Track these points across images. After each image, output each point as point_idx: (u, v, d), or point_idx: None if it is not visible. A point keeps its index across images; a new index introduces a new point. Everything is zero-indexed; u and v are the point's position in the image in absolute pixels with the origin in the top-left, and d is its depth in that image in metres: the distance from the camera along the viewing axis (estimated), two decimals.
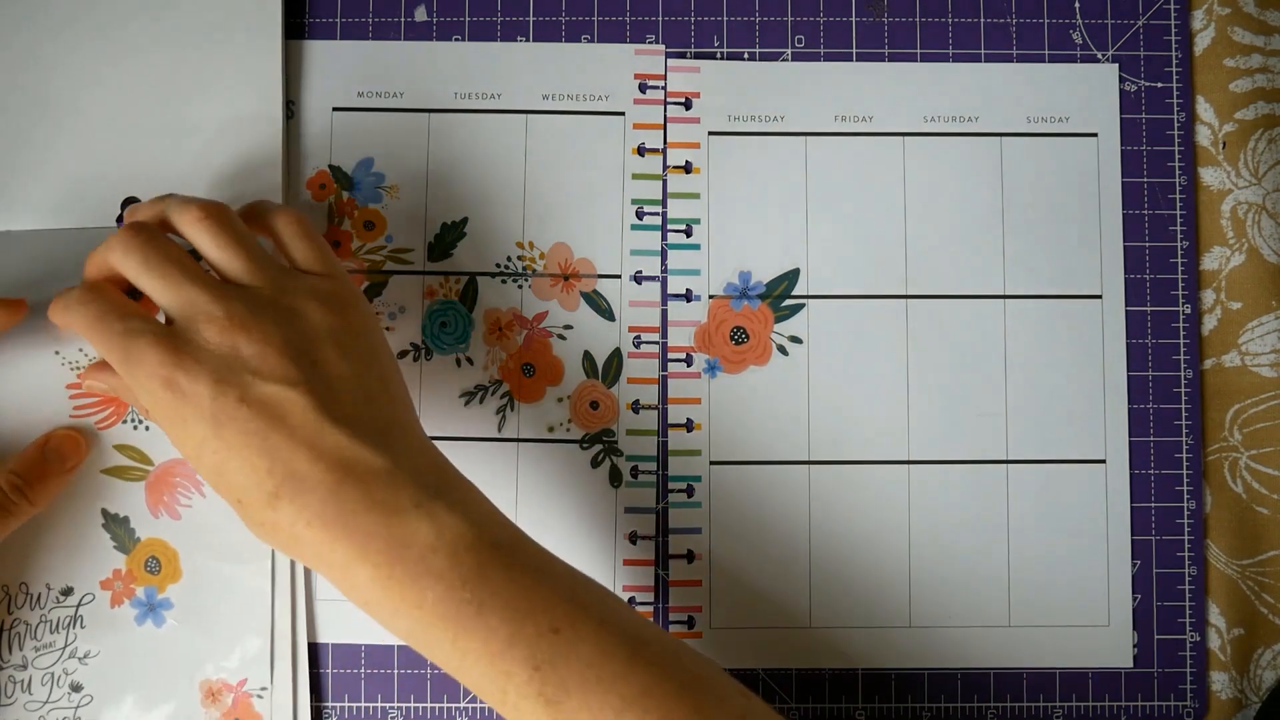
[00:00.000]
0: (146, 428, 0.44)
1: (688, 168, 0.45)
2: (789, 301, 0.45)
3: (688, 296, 0.45)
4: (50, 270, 0.44)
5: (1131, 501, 0.45)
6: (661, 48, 0.46)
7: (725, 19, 0.46)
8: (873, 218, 0.45)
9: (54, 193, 0.45)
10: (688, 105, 0.46)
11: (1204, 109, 0.46)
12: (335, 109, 0.46)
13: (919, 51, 0.46)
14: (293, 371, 0.35)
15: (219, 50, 0.45)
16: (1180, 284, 0.45)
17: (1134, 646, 0.45)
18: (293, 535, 0.34)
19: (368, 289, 0.45)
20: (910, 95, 0.46)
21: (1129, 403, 0.45)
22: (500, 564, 0.34)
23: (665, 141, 0.46)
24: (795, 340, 0.45)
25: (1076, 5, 0.46)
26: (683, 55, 0.46)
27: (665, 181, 0.45)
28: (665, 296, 0.45)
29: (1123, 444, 0.45)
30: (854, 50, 0.46)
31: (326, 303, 0.37)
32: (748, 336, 0.45)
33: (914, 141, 0.45)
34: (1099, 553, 0.44)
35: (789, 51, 0.46)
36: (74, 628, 0.43)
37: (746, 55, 0.46)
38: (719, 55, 0.46)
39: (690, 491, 0.45)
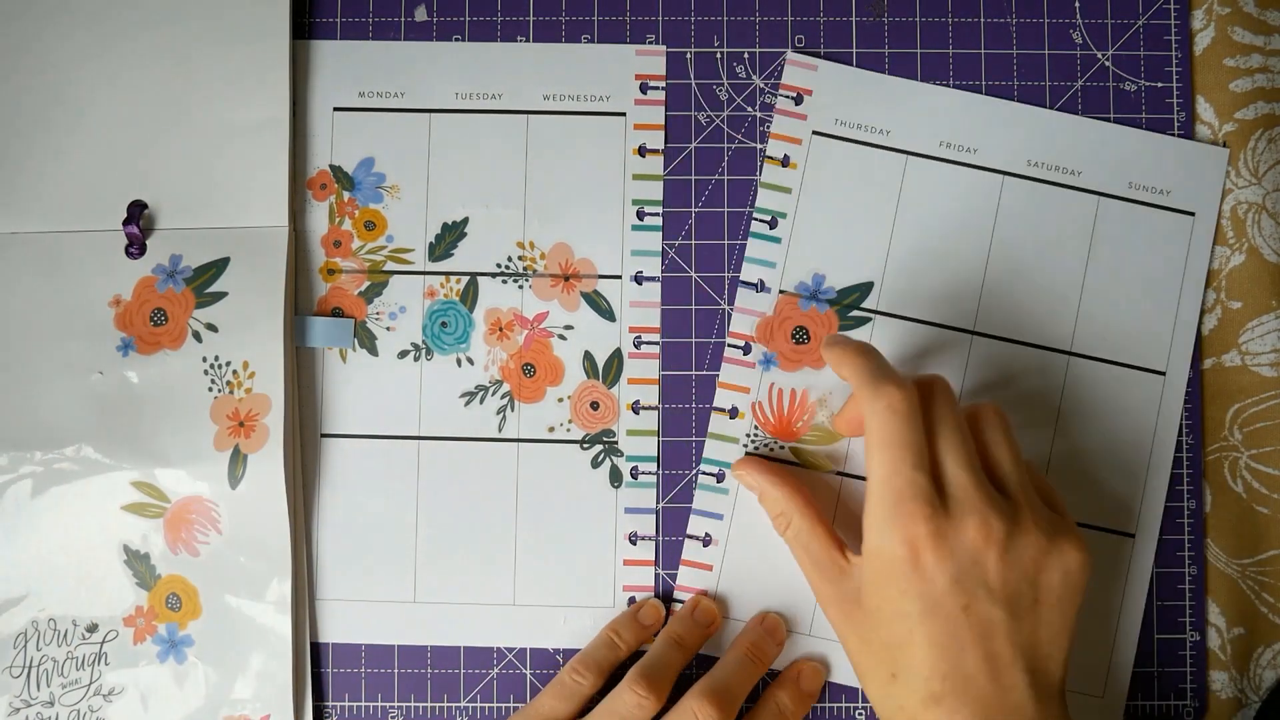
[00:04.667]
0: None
1: (785, 161, 0.45)
2: (857, 312, 0.45)
3: (759, 286, 0.45)
4: (57, 273, 0.44)
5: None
6: (662, 48, 0.46)
7: (725, 19, 0.46)
8: (956, 248, 0.45)
9: (62, 195, 0.45)
10: (798, 100, 0.45)
11: (1204, 109, 0.46)
12: (336, 109, 0.46)
13: (919, 51, 0.46)
14: (1017, 606, 0.36)
15: (226, 53, 0.45)
16: None
17: (1135, 645, 0.45)
18: None
19: (368, 289, 0.45)
20: (1018, 136, 0.45)
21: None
22: None
23: (769, 129, 0.45)
24: None
25: (1076, 5, 0.46)
26: (803, 51, 0.46)
27: (760, 169, 0.45)
28: (736, 281, 0.45)
29: (1155, 521, 0.44)
30: (854, 50, 0.46)
31: (1065, 557, 0.37)
32: (809, 338, 0.45)
33: (1013, 182, 0.45)
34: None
35: (788, 52, 0.46)
36: (99, 664, 0.43)
37: (746, 55, 0.46)
38: (718, 55, 0.46)
39: (720, 477, 0.45)
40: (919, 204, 0.45)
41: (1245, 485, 0.45)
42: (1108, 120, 0.46)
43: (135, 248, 0.44)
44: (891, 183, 0.45)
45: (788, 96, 0.46)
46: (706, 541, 0.45)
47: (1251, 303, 0.45)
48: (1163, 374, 0.45)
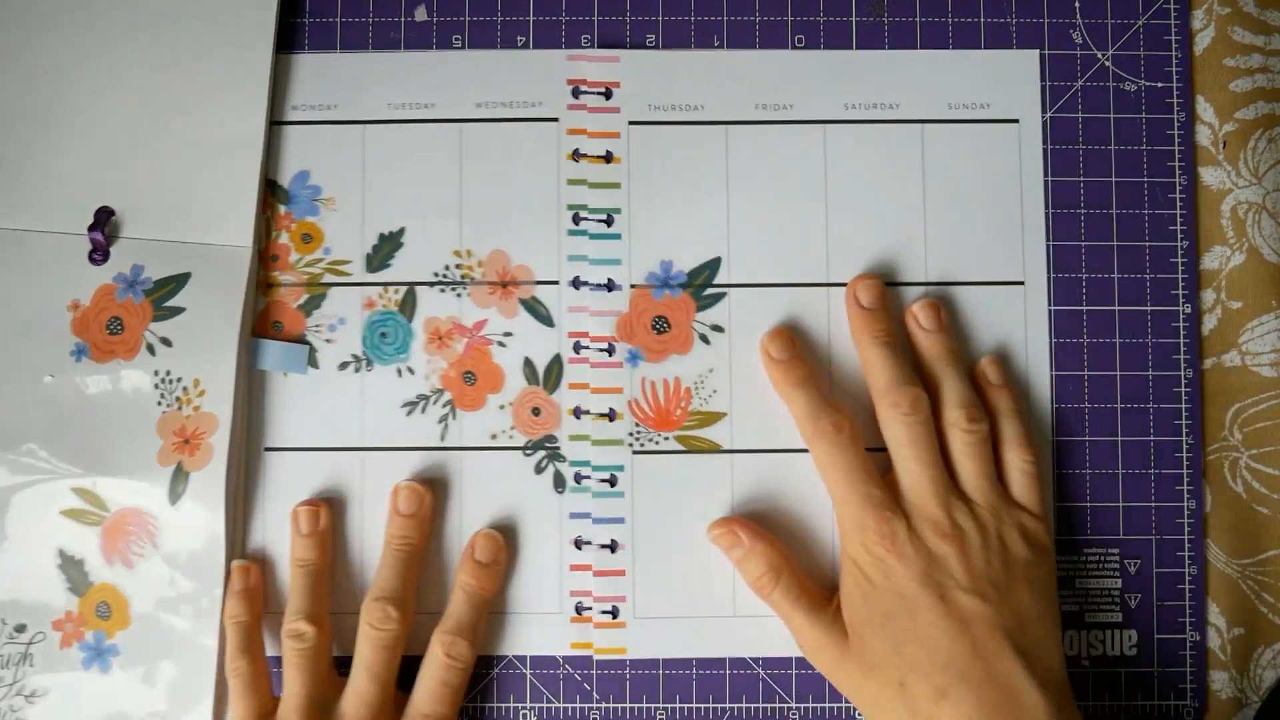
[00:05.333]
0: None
1: (608, 157, 0.45)
2: (710, 290, 0.45)
3: (609, 286, 0.45)
4: (18, 272, 0.44)
5: (1127, 500, 0.45)
6: (597, 53, 0.46)
7: (725, 19, 0.46)
8: (794, 205, 0.45)
9: (30, 193, 0.44)
10: (608, 95, 0.45)
11: (1204, 109, 0.46)
12: (272, 123, 0.45)
13: (919, 52, 0.46)
14: (989, 592, 0.39)
15: (210, 67, 0.45)
16: (1180, 284, 0.45)
17: (1133, 646, 0.45)
18: None
19: (306, 302, 0.45)
20: (830, 83, 0.45)
21: (1055, 401, 0.45)
22: None
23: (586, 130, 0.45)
24: (717, 329, 0.45)
25: (1076, 5, 0.46)
26: (606, 45, 0.46)
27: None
28: (587, 286, 0.45)
29: (1046, 433, 0.45)
30: (854, 50, 0.46)
31: (1030, 543, 0.41)
32: (669, 325, 0.45)
33: (835, 128, 0.45)
34: None
35: (789, 51, 0.46)
36: (24, 665, 0.43)
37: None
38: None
39: (613, 481, 0.45)
40: (748, 170, 0.45)
41: (1245, 485, 0.45)
42: (943, 51, 0.46)
43: (99, 254, 0.44)
44: (716, 155, 0.45)
45: (597, 93, 0.45)
46: (614, 548, 0.45)
47: (1251, 303, 0.45)
48: (1021, 283, 0.45)
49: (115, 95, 0.45)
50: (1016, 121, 0.46)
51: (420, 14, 0.46)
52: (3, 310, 0.44)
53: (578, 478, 0.45)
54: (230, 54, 0.45)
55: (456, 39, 0.46)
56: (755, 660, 0.45)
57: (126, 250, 0.44)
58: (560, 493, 0.45)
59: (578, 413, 0.45)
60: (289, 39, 0.46)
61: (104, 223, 0.44)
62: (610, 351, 0.45)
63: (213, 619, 0.43)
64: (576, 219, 0.45)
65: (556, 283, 0.45)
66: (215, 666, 0.43)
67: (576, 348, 0.45)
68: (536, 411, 0.45)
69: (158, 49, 0.45)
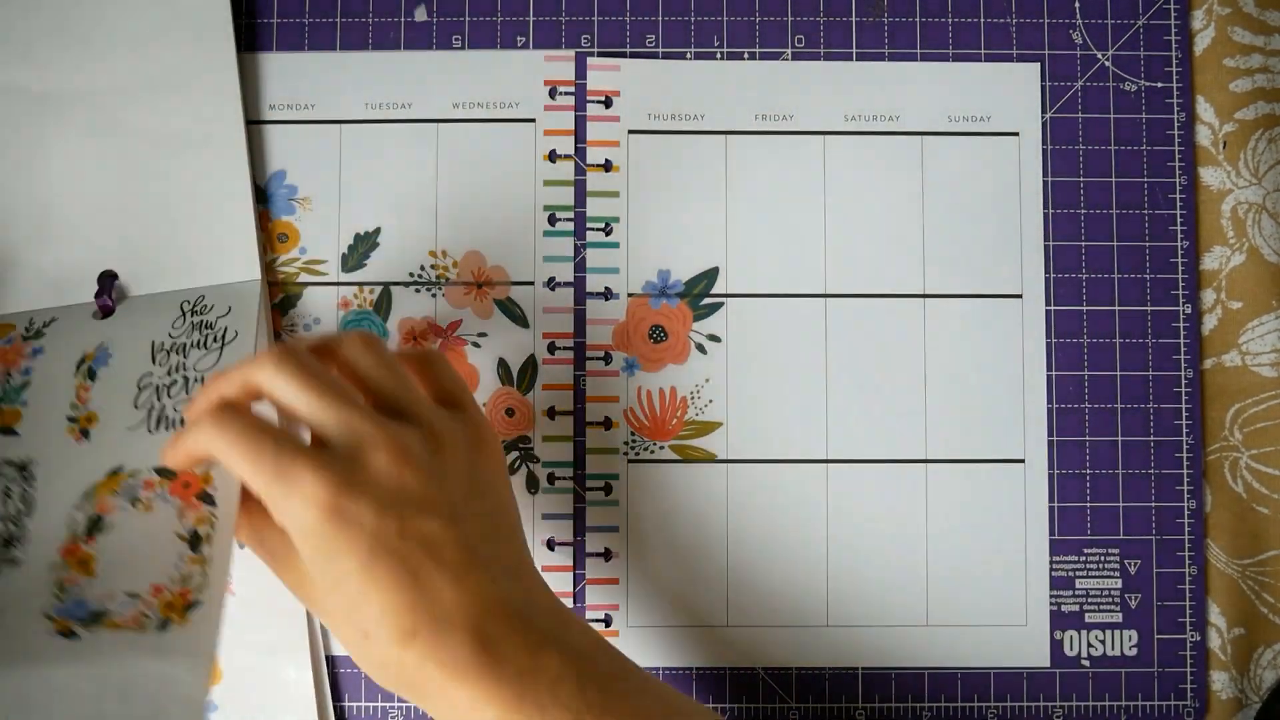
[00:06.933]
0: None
1: (607, 166, 0.45)
2: (708, 300, 0.45)
3: (606, 295, 0.45)
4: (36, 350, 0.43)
5: (1127, 500, 0.45)
6: (571, 53, 0.46)
7: (725, 19, 0.46)
8: (792, 215, 0.45)
9: (31, 275, 0.44)
10: (608, 104, 0.45)
11: (1204, 109, 0.46)
12: (249, 122, 0.45)
13: (919, 51, 0.46)
14: (445, 509, 0.34)
15: (185, 128, 0.44)
16: (1180, 284, 0.45)
17: (1133, 646, 0.45)
18: (421, 674, 0.33)
19: (282, 302, 0.45)
20: (830, 93, 0.46)
21: (1053, 401, 0.45)
22: (618, 691, 0.34)
23: (585, 139, 0.45)
24: (714, 339, 0.45)
25: (1076, 5, 0.46)
26: (605, 54, 0.46)
27: (585, 180, 0.45)
28: (584, 295, 0.45)
29: (1041, 444, 0.45)
30: (854, 50, 0.46)
31: (469, 442, 0.37)
32: (666, 335, 0.45)
33: (835, 140, 0.45)
34: (1018, 552, 0.45)
35: (789, 51, 0.46)
36: None
37: (746, 55, 0.46)
38: (719, 55, 0.46)
39: (608, 489, 0.45)
40: (747, 180, 0.45)
41: (1245, 485, 0.45)
42: (944, 63, 0.46)
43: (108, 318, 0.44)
44: (715, 165, 0.45)
45: (596, 101, 0.46)
46: (608, 556, 0.44)
47: (1251, 303, 0.45)
48: (1019, 296, 0.45)
49: (96, 165, 0.44)
50: (1017, 134, 0.45)
51: (420, 14, 0.46)
52: (35, 399, 0.43)
53: (551, 479, 0.45)
54: (207, 122, 0.44)
55: (456, 39, 0.46)
56: (825, 670, 0.45)
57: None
58: (533, 494, 0.45)
59: (551, 414, 0.45)
60: (288, 40, 0.46)
61: (109, 288, 0.43)
62: (607, 360, 0.45)
63: (303, 652, 0.43)
64: (553, 220, 0.45)
65: (531, 284, 0.45)
66: (313, 697, 0.43)
67: (551, 349, 0.45)
68: (510, 412, 0.45)
69: (130, 113, 0.44)
